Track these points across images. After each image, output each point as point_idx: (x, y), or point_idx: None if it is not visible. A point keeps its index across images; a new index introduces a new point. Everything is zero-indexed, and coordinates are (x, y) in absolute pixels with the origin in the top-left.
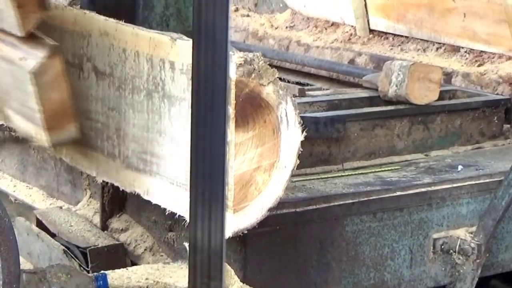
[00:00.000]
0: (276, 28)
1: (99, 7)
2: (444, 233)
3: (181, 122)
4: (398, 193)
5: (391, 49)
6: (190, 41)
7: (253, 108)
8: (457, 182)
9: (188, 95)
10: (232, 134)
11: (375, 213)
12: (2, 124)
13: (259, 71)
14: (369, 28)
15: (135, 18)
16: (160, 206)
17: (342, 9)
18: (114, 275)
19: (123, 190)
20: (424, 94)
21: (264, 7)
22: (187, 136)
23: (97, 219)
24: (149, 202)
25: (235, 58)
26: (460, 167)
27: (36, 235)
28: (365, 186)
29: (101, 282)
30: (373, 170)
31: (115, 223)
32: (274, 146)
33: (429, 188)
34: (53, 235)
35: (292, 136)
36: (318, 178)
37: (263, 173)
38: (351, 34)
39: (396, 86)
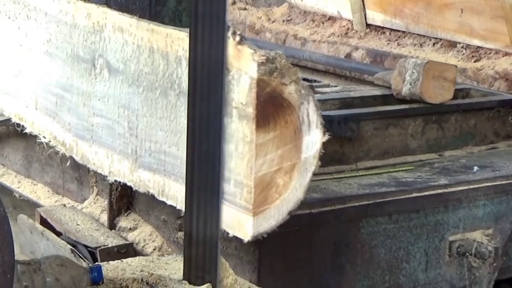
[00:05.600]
0: (273, 22)
1: (110, 1)
2: (460, 236)
3: None
4: (414, 195)
5: (388, 43)
6: None
7: (274, 108)
8: (474, 184)
9: None
10: (253, 134)
11: (391, 215)
12: (9, 119)
13: (281, 70)
14: (366, 22)
15: (147, 13)
16: (169, 205)
17: (339, 3)
18: (108, 267)
19: (131, 188)
20: (439, 93)
21: (261, 1)
22: None
23: (104, 218)
24: (158, 200)
25: (256, 56)
26: (476, 168)
27: (40, 233)
28: (380, 187)
29: (95, 273)
30: (387, 170)
31: (123, 221)
32: (296, 147)
33: (445, 190)
34: (58, 234)
35: (314, 137)
36: (331, 178)
37: (283, 175)
38: (348, 29)
39: (410, 84)
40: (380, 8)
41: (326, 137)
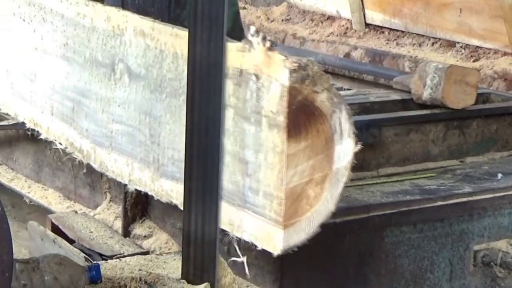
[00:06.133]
0: (272, 21)
1: (127, 3)
2: (485, 245)
3: (225, 131)
4: (439, 203)
5: (387, 43)
6: (236, 43)
7: (305, 116)
8: (499, 192)
9: (233, 102)
10: (283, 144)
11: (415, 224)
12: (19, 123)
13: (313, 77)
14: (365, 22)
15: (166, 16)
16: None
17: (338, 3)
18: (107, 266)
19: (146, 194)
20: (461, 98)
21: (260, 0)
22: (232, 144)
23: (118, 225)
24: (174, 208)
25: (288, 63)
26: (500, 176)
27: (52, 241)
28: (404, 195)
29: (94, 272)
30: (409, 177)
31: (138, 229)
32: (327, 158)
33: (470, 198)
34: (71, 242)
35: (345, 147)
36: (353, 186)
37: (314, 186)
38: (347, 28)
39: (431, 89)
40: (379, 8)
41: (358, 146)
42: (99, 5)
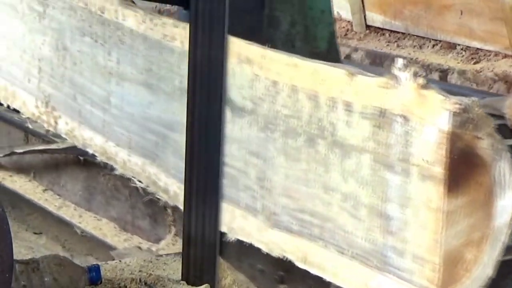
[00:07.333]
0: None
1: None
2: None
3: (359, 179)
4: None
5: (388, 45)
6: (375, 78)
7: (464, 166)
8: None
9: (371, 146)
10: (440, 200)
11: None
12: (69, 147)
13: (475, 121)
14: (366, 23)
15: (259, 36)
16: (266, 252)
17: (339, 4)
18: (107, 267)
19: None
20: None
21: None
22: (368, 196)
23: None
24: (251, 246)
25: (449, 105)
26: None
27: None
28: None
29: (94, 273)
30: None
31: None
32: (487, 214)
33: None
34: None
35: (507, 201)
36: None
37: (471, 247)
38: (347, 30)
39: None
40: (380, 10)
41: None
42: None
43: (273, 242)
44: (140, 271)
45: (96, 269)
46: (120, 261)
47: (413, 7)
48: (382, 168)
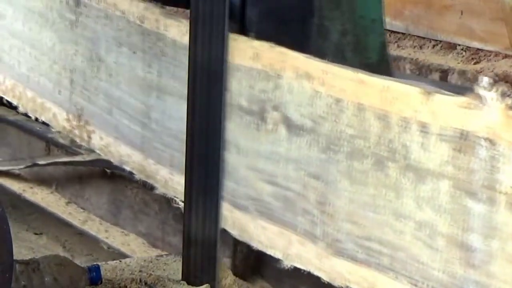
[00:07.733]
0: None
1: (252, 31)
2: None
3: (436, 206)
4: None
5: (388, 45)
6: (455, 97)
7: None
8: None
9: (450, 171)
10: None
11: None
12: (96, 159)
13: None
14: None
15: (306, 47)
16: (311, 273)
17: None
18: (107, 267)
19: (257, 249)
20: None
21: None
22: (447, 225)
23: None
24: (293, 268)
25: None
26: None
27: None
28: None
29: (94, 273)
30: None
31: None
32: None
33: None
34: None
35: None
36: None
37: None
38: None
39: None
40: None
41: None
42: (242, 38)
43: (336, 271)
44: (140, 271)
45: (96, 269)
46: (120, 261)
47: (413, 7)
48: (463, 195)
